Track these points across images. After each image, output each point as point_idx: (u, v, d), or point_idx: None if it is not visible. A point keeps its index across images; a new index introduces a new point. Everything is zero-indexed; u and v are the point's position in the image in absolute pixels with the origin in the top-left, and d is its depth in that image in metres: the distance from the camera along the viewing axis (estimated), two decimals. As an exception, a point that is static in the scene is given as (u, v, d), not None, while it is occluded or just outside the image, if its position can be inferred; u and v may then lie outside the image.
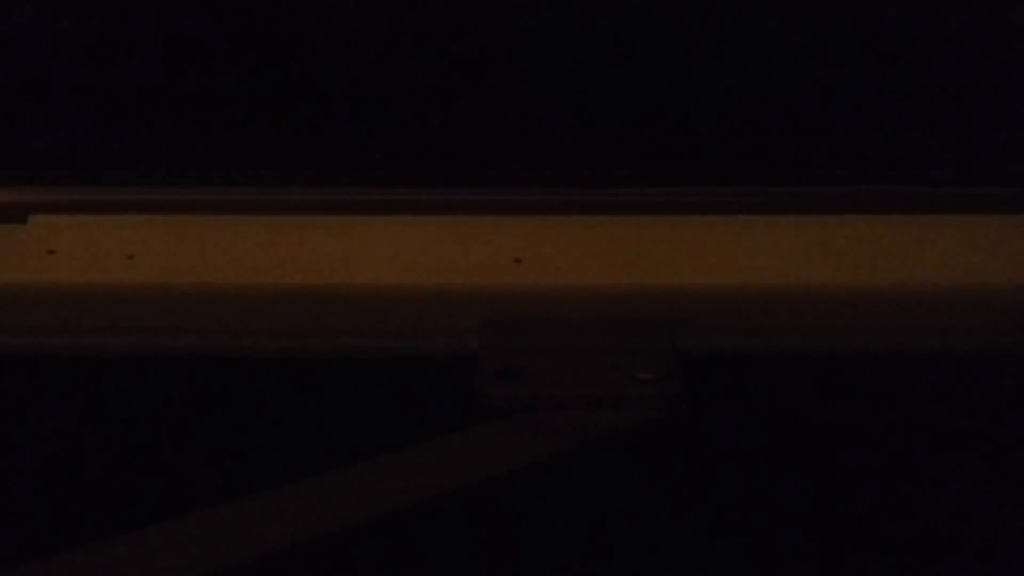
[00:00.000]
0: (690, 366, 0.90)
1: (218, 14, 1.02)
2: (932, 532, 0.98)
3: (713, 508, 0.97)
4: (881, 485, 0.99)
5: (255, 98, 1.02)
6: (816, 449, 0.99)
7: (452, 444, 0.88)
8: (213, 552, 0.81)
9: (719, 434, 0.96)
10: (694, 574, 0.96)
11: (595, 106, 1.03)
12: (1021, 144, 1.01)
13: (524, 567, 0.95)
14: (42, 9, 1.01)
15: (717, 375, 0.93)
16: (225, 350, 0.92)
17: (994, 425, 0.99)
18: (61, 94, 1.02)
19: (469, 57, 1.02)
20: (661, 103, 1.02)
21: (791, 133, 1.02)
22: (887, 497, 0.99)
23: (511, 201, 0.98)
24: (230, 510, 0.83)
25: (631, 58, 1.02)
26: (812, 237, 0.96)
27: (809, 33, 1.02)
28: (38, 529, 0.95)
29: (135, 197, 0.99)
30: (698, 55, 1.02)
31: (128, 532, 0.82)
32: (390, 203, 0.98)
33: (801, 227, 0.97)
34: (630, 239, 0.96)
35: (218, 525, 0.83)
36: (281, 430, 0.98)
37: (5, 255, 0.95)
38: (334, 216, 0.97)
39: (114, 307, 0.93)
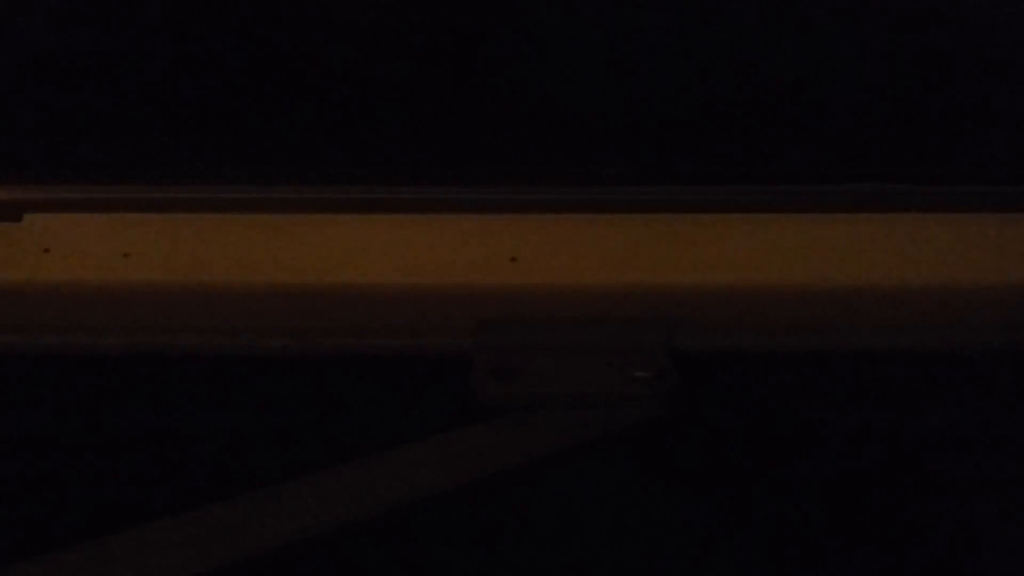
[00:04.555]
0: (685, 365, 0.90)
1: (213, 12, 1.02)
2: (929, 531, 0.98)
3: (708, 507, 0.97)
4: (877, 484, 0.99)
5: (250, 96, 1.03)
6: (812, 448, 0.99)
7: (447, 443, 0.88)
8: (209, 550, 0.81)
9: (714, 433, 0.96)
10: (690, 572, 0.96)
11: (590, 105, 1.03)
12: (1018, 143, 1.01)
13: (519, 566, 0.95)
14: (37, 8, 1.01)
15: (712, 374, 0.93)
16: (220, 348, 0.93)
17: (992, 424, 0.99)
18: (56, 93, 1.03)
19: (464, 56, 1.02)
20: (655, 102, 1.02)
21: (787, 131, 1.02)
22: (883, 496, 0.99)
23: (507, 200, 0.98)
24: (225, 509, 0.84)
25: (627, 57, 1.02)
26: (808, 236, 0.96)
27: (806, 32, 1.02)
28: (34, 528, 0.95)
29: (130, 195, 0.99)
30: (695, 54, 1.02)
31: (124, 531, 0.82)
32: (386, 202, 0.98)
33: (797, 226, 0.97)
34: (625, 238, 0.95)
35: (214, 524, 0.83)
36: (276, 429, 0.98)
37: (0, 254, 0.95)
38: (329, 215, 0.97)
39: (109, 305, 0.93)
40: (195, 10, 1.02)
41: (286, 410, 0.98)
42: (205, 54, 1.02)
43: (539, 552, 0.96)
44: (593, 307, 0.92)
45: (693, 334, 0.92)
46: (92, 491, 0.97)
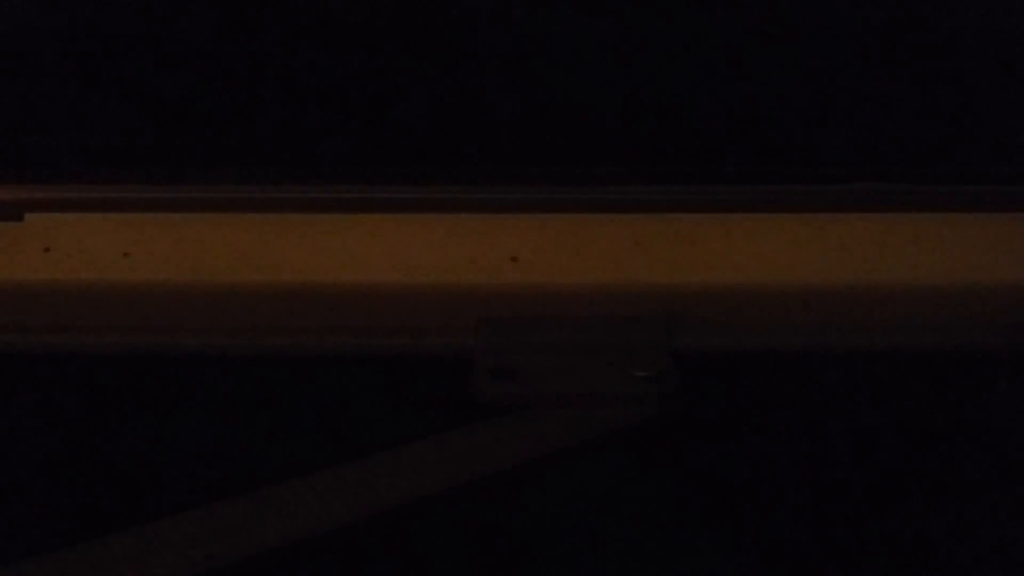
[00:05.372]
0: (686, 364, 0.90)
1: (213, 12, 1.02)
2: (929, 531, 0.98)
3: (708, 506, 0.97)
4: (876, 483, 0.99)
5: (250, 96, 1.02)
6: (812, 448, 0.99)
7: (448, 442, 0.88)
8: (209, 550, 0.81)
9: (714, 432, 0.96)
10: (690, 572, 0.96)
11: (590, 104, 1.03)
12: (1018, 142, 1.01)
13: (519, 565, 0.95)
14: (37, 8, 1.01)
15: (713, 373, 0.92)
16: (221, 348, 0.92)
17: (992, 424, 0.99)
18: (57, 92, 1.02)
19: (464, 55, 1.02)
20: (656, 101, 1.02)
21: (787, 131, 1.02)
22: (883, 495, 0.99)
23: (507, 199, 0.98)
24: (226, 508, 0.84)
25: (627, 56, 1.02)
26: (809, 235, 0.96)
27: (807, 31, 1.02)
28: (35, 527, 0.95)
29: (131, 195, 0.98)
30: (695, 52, 1.02)
31: (125, 530, 0.82)
32: (386, 201, 0.98)
33: (797, 225, 0.97)
34: (626, 237, 0.95)
35: (215, 523, 0.83)
36: (277, 428, 0.98)
37: (1, 253, 0.95)
38: (330, 214, 0.97)
39: (110, 305, 0.93)
40: (195, 10, 1.01)
41: (287, 410, 0.98)
42: (205, 54, 1.02)
43: (539, 552, 0.96)
44: (593, 306, 0.92)
45: (694, 334, 0.92)
46: (92, 491, 0.97)
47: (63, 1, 1.01)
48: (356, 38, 1.03)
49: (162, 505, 0.84)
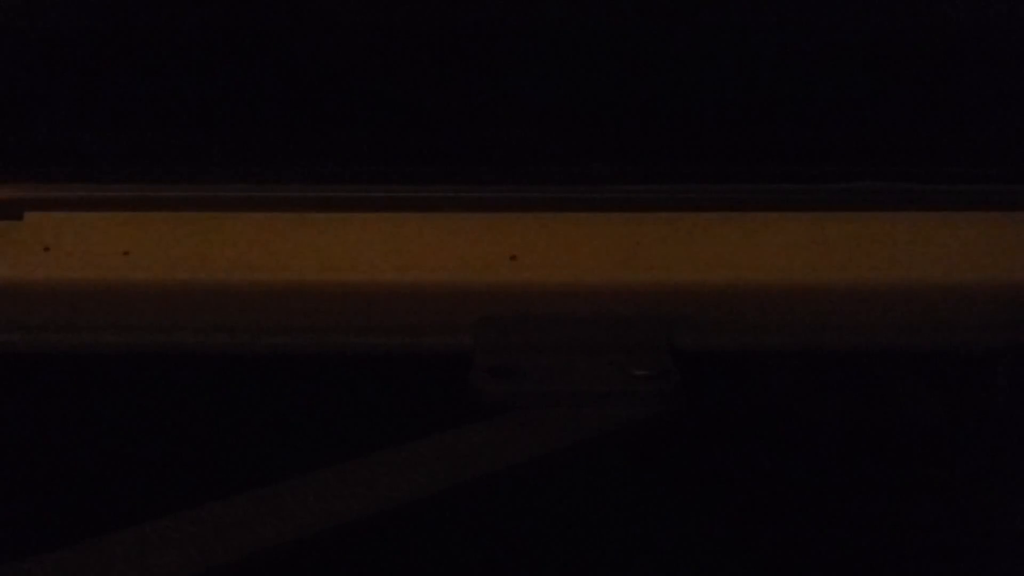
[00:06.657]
0: (685, 363, 0.90)
1: (214, 11, 1.02)
2: (928, 531, 0.98)
3: (707, 505, 0.97)
4: (876, 483, 0.99)
5: (250, 95, 1.03)
6: (811, 447, 0.99)
7: (447, 441, 0.88)
8: (209, 550, 0.81)
9: (714, 431, 0.96)
10: (689, 570, 0.96)
11: (590, 103, 1.03)
12: (1016, 141, 1.01)
13: (519, 564, 0.95)
14: (37, 8, 1.01)
15: (712, 372, 0.92)
16: (220, 346, 0.92)
17: (992, 423, 0.99)
18: (57, 92, 1.03)
19: (464, 54, 1.02)
20: (655, 100, 1.02)
21: (786, 130, 1.02)
22: (882, 495, 0.99)
23: (507, 198, 0.98)
24: (225, 507, 0.84)
25: (627, 55, 1.02)
26: (808, 234, 0.96)
27: (805, 30, 1.02)
28: (33, 527, 0.95)
29: (131, 194, 0.99)
30: (695, 52, 1.02)
31: (124, 529, 0.82)
32: (385, 200, 0.98)
33: (797, 224, 0.97)
34: (625, 236, 0.96)
35: (214, 524, 0.83)
36: (276, 427, 0.98)
37: (1, 252, 0.95)
38: (329, 213, 0.97)
39: (110, 303, 0.93)
40: (195, 9, 1.02)
41: (286, 408, 0.98)
42: (205, 53, 1.02)
43: (539, 552, 0.96)
44: (593, 305, 0.93)
45: (693, 332, 0.92)
46: (92, 491, 0.97)
47: (63, 1, 1.02)
48: (356, 38, 1.03)
49: (161, 505, 0.84)
